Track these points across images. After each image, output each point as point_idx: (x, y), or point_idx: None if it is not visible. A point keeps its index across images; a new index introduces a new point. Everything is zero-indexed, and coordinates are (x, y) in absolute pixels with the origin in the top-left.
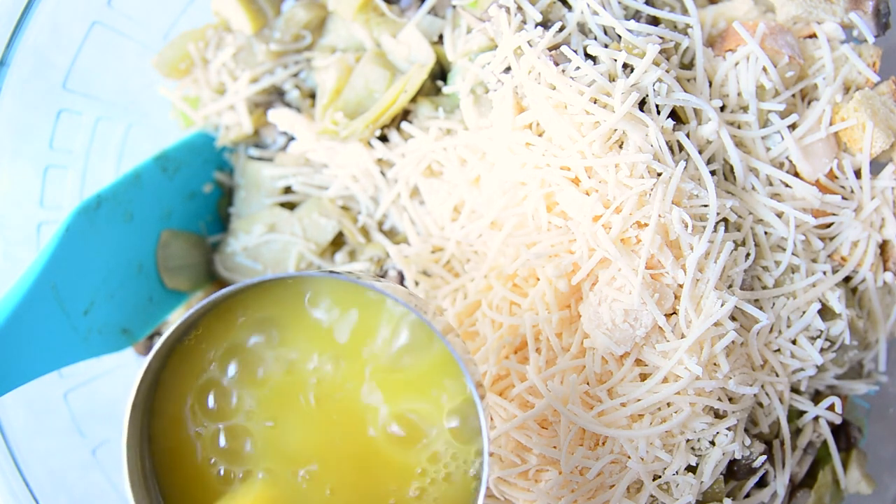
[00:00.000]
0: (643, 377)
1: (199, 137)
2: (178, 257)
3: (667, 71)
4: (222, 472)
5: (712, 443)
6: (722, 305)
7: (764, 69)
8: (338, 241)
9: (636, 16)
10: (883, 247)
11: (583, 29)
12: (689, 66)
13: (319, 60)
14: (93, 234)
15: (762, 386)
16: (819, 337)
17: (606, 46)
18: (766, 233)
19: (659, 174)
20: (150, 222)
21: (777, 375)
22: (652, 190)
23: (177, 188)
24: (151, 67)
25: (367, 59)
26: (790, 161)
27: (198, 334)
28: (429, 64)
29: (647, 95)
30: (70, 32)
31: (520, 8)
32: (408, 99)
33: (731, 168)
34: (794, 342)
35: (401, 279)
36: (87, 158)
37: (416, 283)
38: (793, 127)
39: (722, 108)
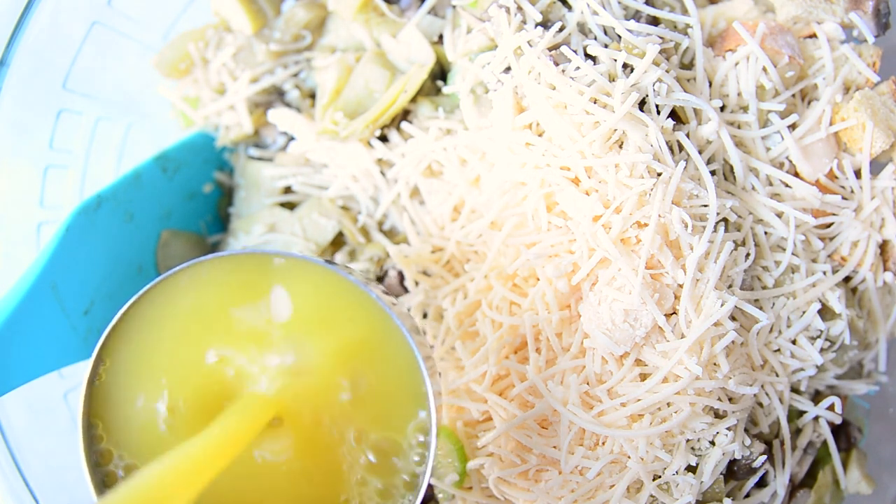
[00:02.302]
0: (643, 377)
1: (199, 137)
2: (178, 257)
3: (667, 71)
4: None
5: (712, 443)
6: (722, 305)
7: (764, 69)
8: (338, 241)
9: (636, 16)
10: (883, 247)
11: (583, 29)
12: (689, 66)
13: (319, 60)
14: (93, 234)
15: (762, 386)
16: (819, 337)
17: (606, 46)
18: (766, 233)
19: (659, 174)
20: (150, 222)
21: (777, 375)
22: (652, 190)
23: (177, 188)
24: (151, 67)
25: (367, 58)
26: (790, 161)
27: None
28: (429, 64)
29: (647, 95)
30: (70, 32)
31: (520, 8)
32: (408, 99)
33: (731, 168)
34: (794, 342)
35: (401, 279)
36: (87, 158)
37: (416, 283)
38: (793, 127)
39: (722, 108)
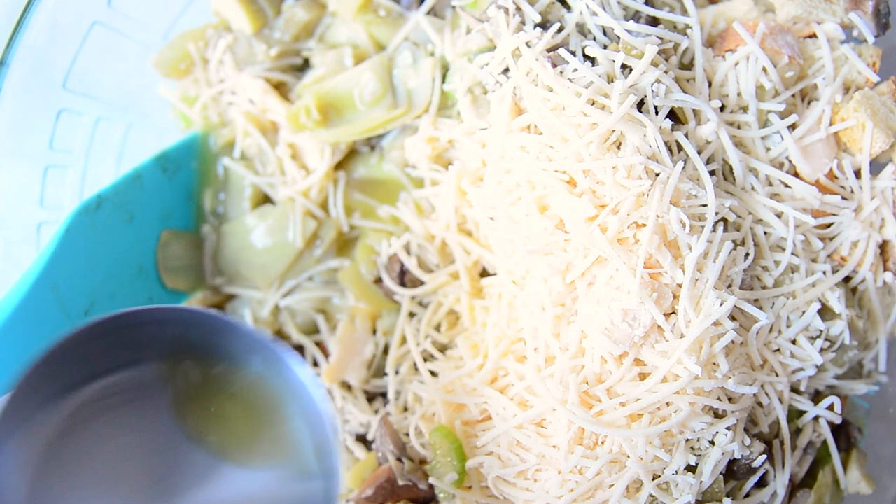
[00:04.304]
0: (642, 377)
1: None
2: (177, 258)
3: (665, 72)
4: None
5: (712, 442)
6: (721, 305)
7: (764, 69)
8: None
9: (636, 16)
10: (883, 247)
11: (582, 30)
12: (688, 66)
13: (318, 58)
14: (93, 234)
15: (762, 386)
16: (819, 337)
17: (605, 47)
18: (765, 233)
19: (657, 175)
20: (150, 222)
21: (777, 375)
22: (650, 190)
23: (177, 188)
24: (151, 67)
25: (369, 64)
26: (790, 161)
27: None
28: (416, 111)
29: (646, 96)
30: (70, 32)
31: (518, 8)
32: (372, 133)
33: (731, 168)
34: (793, 342)
35: (401, 278)
36: (87, 158)
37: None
38: (793, 127)
39: (721, 109)
